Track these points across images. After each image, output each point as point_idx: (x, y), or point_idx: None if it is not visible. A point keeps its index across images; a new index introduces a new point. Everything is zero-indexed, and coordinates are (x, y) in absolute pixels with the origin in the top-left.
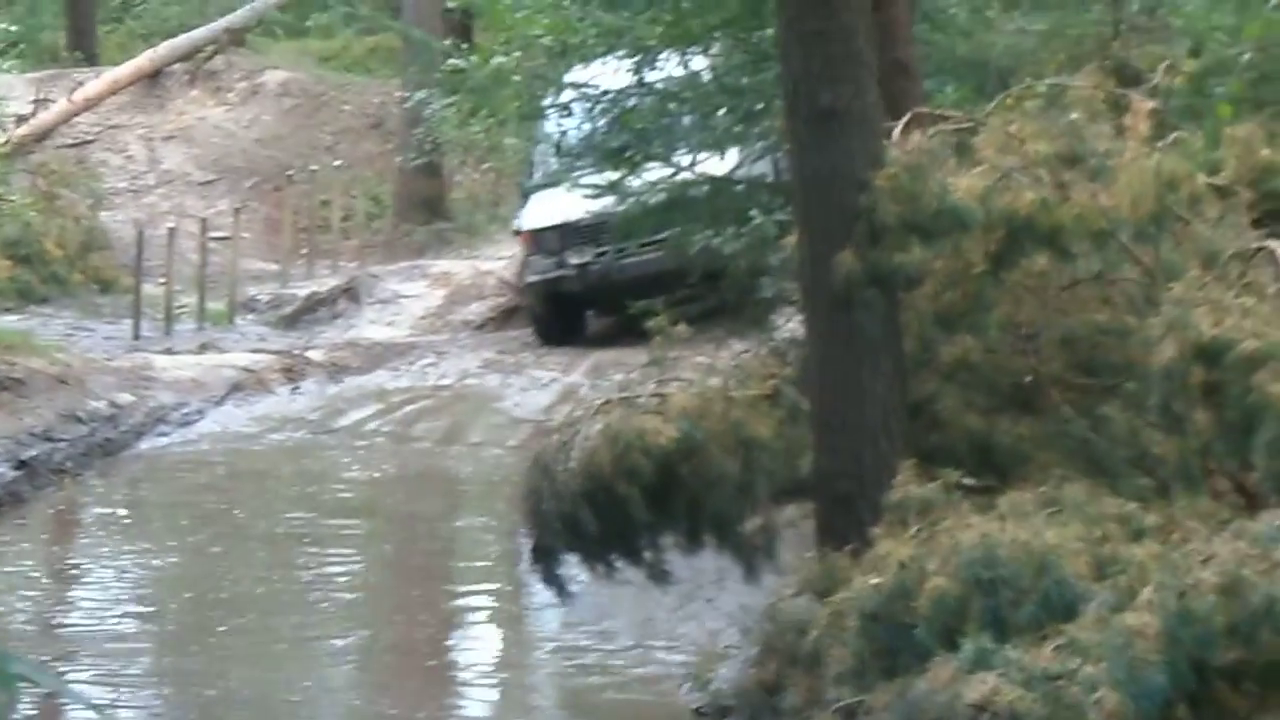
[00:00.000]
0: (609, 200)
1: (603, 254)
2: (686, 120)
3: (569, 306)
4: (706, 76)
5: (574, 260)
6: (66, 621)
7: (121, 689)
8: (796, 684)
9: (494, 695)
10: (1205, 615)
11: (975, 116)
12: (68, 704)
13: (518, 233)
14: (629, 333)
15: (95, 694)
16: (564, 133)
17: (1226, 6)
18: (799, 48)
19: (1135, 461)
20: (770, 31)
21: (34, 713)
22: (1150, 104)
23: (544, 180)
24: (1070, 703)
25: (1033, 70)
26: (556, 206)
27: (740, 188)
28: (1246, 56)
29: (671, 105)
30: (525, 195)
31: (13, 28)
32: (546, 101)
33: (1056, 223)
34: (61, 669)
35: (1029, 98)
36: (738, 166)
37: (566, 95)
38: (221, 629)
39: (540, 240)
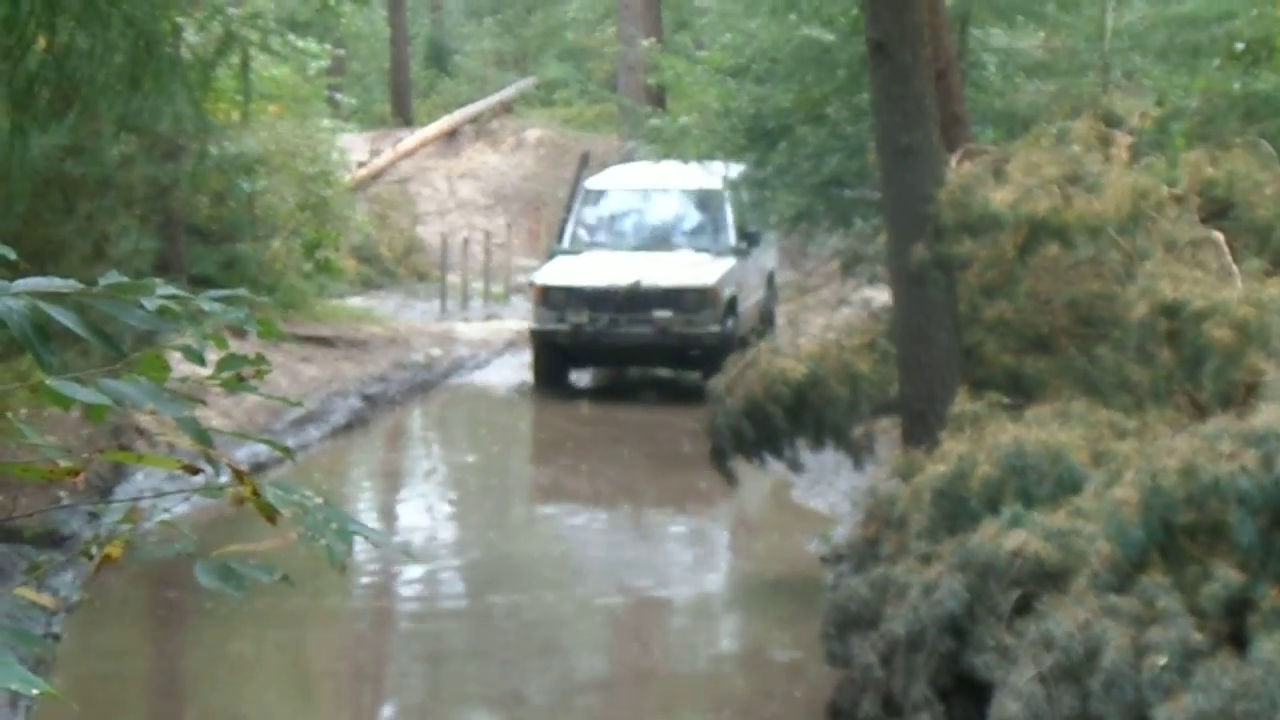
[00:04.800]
0: (614, 276)
1: (596, 319)
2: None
3: (561, 358)
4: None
5: (572, 319)
6: (398, 507)
7: (437, 557)
8: (889, 539)
9: (685, 553)
10: (1170, 490)
11: (1007, 151)
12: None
13: (532, 285)
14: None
15: (413, 559)
16: (594, 216)
17: (1181, 70)
18: (885, 106)
19: (1120, 385)
20: (866, 96)
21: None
22: (1129, 140)
23: (569, 248)
24: (1077, 550)
25: (1047, 117)
26: (570, 271)
27: (847, 202)
28: (1195, 104)
29: (801, 148)
30: (550, 256)
31: (353, 101)
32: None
33: (1064, 222)
34: (392, 539)
35: (1044, 137)
36: (844, 188)
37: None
38: (512, 510)
39: (548, 296)
